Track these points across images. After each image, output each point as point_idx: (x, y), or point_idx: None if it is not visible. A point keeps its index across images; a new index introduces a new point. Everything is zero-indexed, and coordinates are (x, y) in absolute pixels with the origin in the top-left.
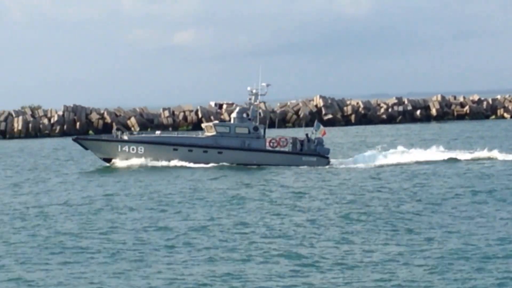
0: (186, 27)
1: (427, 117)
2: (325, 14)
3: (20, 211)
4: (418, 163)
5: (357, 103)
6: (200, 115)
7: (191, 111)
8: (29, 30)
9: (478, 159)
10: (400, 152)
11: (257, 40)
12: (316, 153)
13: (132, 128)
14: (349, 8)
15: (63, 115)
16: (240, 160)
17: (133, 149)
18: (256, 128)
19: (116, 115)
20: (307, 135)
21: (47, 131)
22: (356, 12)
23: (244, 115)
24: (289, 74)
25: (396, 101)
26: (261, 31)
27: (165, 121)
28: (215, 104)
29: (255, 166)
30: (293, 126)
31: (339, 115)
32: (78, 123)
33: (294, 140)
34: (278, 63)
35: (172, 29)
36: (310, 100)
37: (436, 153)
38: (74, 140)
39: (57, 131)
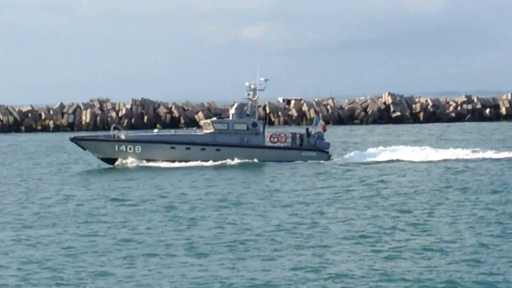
0: (256, 23)
1: (496, 116)
2: (394, 11)
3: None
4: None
5: (426, 101)
6: (268, 110)
7: (259, 106)
8: (99, 24)
9: None
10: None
11: (326, 36)
12: (316, 148)
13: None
14: (418, 6)
15: (131, 108)
16: (239, 156)
17: (130, 148)
18: (254, 124)
19: (184, 109)
20: (307, 129)
21: (114, 124)
22: (426, 10)
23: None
24: (358, 70)
25: (465, 99)
26: (330, 28)
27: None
28: (283, 100)
29: (255, 162)
30: (361, 123)
31: (407, 113)
32: (145, 117)
33: (294, 135)
34: (346, 60)
35: (241, 24)
36: (378, 97)
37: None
38: (71, 140)
39: (124, 124)
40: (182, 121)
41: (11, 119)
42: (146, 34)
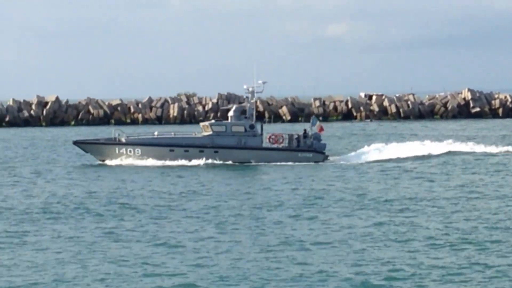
0: (339, 20)
1: None
2: (474, 8)
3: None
4: None
5: (505, 97)
6: (350, 106)
7: (341, 101)
8: (187, 20)
9: None
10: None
11: (408, 33)
12: (312, 149)
13: (284, 117)
14: (501, 2)
15: (217, 102)
16: (236, 158)
17: (130, 151)
18: (252, 126)
19: (268, 104)
20: (305, 130)
21: (201, 118)
22: (507, 6)
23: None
24: (438, 67)
25: None
26: (412, 25)
27: (315, 111)
28: (365, 95)
29: (259, 164)
30: (441, 118)
31: (486, 108)
32: None
33: (290, 136)
34: (427, 56)
35: (325, 22)
36: (458, 93)
37: None
38: (74, 143)
39: (211, 118)
40: (267, 115)
41: (101, 112)
42: (232, 30)
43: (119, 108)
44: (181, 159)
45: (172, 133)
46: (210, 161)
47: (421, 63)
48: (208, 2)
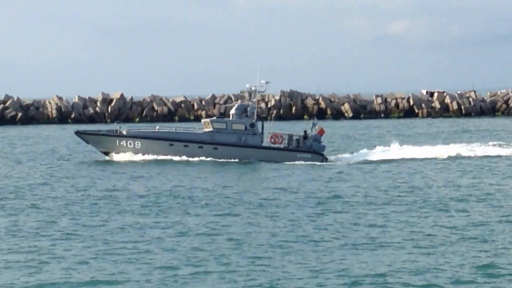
0: (401, 17)
1: None
2: None
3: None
4: None
5: None
6: (411, 103)
7: (403, 98)
8: (251, 18)
9: None
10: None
11: (470, 31)
12: (311, 150)
13: (346, 114)
14: None
15: (279, 100)
16: (235, 156)
17: (130, 143)
18: (252, 125)
19: (331, 101)
20: (305, 132)
21: (264, 115)
22: None
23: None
24: (500, 64)
25: None
26: (474, 22)
27: (377, 108)
28: (427, 92)
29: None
30: (503, 114)
31: None
32: (294, 108)
33: (290, 136)
34: (489, 53)
35: (387, 19)
36: None
37: None
38: (75, 133)
39: (273, 115)
40: (329, 112)
41: (165, 109)
42: (294, 28)
43: (183, 105)
44: (181, 154)
45: (174, 128)
46: (209, 157)
47: (482, 60)
48: (273, 0)
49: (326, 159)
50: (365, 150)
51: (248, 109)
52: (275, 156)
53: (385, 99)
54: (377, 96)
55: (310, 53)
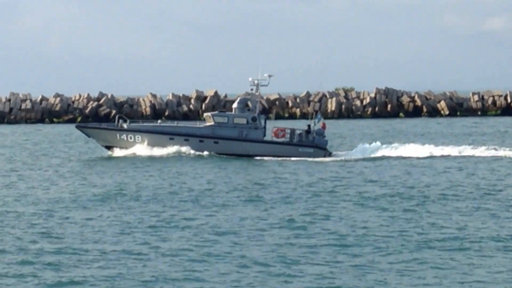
0: (499, 13)
1: None
2: None
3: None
4: None
5: None
6: (509, 100)
7: (500, 96)
8: (345, 14)
9: None
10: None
11: None
12: (313, 145)
13: (442, 112)
14: None
15: (375, 97)
16: (236, 150)
17: (131, 137)
18: (254, 119)
19: (427, 99)
20: (308, 126)
21: (359, 113)
22: None
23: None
24: None
25: None
26: None
27: (474, 106)
28: None
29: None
30: None
31: None
32: (389, 106)
33: (292, 131)
34: None
35: (483, 15)
36: None
37: None
38: (76, 127)
39: (368, 113)
40: (425, 109)
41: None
42: (389, 23)
43: (277, 103)
44: (181, 147)
45: (176, 122)
46: (210, 151)
47: None
48: None
49: (329, 154)
50: (366, 145)
51: (250, 103)
52: (277, 151)
53: (482, 96)
54: (473, 93)
55: (406, 49)
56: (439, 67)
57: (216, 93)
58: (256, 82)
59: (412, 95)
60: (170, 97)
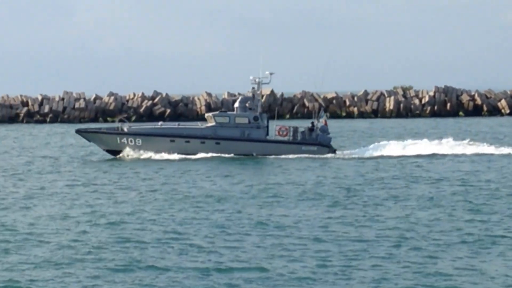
0: None
1: None
2: None
3: None
4: None
5: None
6: None
7: None
8: (403, 12)
9: None
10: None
11: None
12: (317, 143)
13: (503, 110)
14: None
15: (434, 96)
16: (238, 150)
17: (131, 141)
18: (256, 118)
19: (487, 97)
20: (312, 123)
21: (417, 112)
22: None
23: (247, 104)
24: None
25: None
26: None
27: None
28: None
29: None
30: None
31: None
32: (448, 104)
33: (295, 129)
34: None
35: None
36: None
37: None
38: (76, 132)
39: (427, 111)
40: (485, 108)
41: (316, 105)
42: (448, 21)
43: (334, 101)
44: (182, 150)
45: (176, 124)
46: (211, 152)
47: None
48: None
49: (334, 151)
50: (375, 144)
51: (252, 102)
52: (280, 150)
53: None
54: None
55: (465, 47)
56: (499, 65)
57: (272, 91)
58: (257, 80)
59: (472, 93)
60: (226, 96)
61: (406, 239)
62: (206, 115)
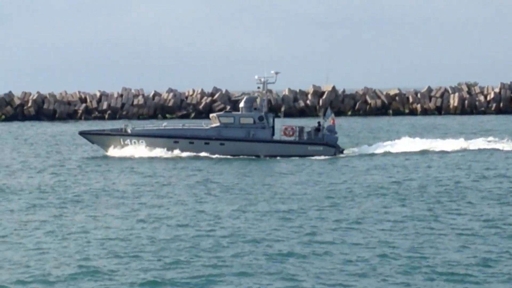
0: None
1: None
2: None
3: None
4: None
5: None
6: None
7: None
8: (468, 7)
9: None
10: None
11: None
12: (323, 142)
13: None
14: None
15: (499, 92)
16: (243, 151)
17: (134, 142)
18: (261, 118)
19: None
20: (318, 123)
21: (482, 108)
22: None
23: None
24: None
25: None
26: None
27: None
28: None
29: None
30: None
31: None
32: None
33: (301, 129)
34: None
35: None
36: None
37: None
38: (79, 134)
39: (492, 108)
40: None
41: (378, 102)
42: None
43: (397, 98)
44: (186, 151)
45: (181, 125)
46: (216, 153)
47: None
48: None
49: (341, 151)
50: (379, 143)
51: (258, 101)
52: (285, 150)
53: None
54: None
55: None
56: None
57: (333, 88)
58: (263, 80)
59: None
60: (286, 92)
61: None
62: (211, 115)
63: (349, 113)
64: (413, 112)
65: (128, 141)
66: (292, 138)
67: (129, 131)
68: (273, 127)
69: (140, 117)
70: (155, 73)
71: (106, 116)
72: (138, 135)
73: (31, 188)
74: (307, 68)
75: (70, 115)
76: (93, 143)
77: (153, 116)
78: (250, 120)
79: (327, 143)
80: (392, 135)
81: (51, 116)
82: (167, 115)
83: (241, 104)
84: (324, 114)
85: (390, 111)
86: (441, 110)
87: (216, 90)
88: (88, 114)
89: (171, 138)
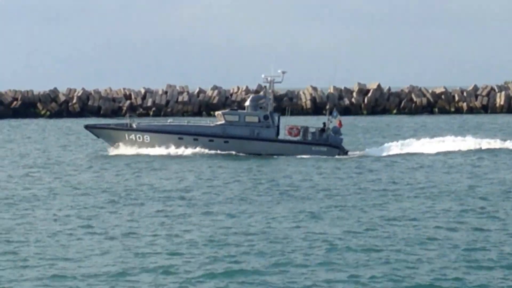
0: None
1: None
2: None
3: None
4: None
5: None
6: None
7: None
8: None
9: None
10: None
11: None
12: (327, 143)
13: None
14: None
15: None
16: (247, 149)
17: (139, 137)
18: (266, 117)
19: None
20: (324, 124)
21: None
22: None
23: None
24: None
25: None
26: None
27: None
28: None
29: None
30: None
31: None
32: None
33: (305, 129)
34: None
35: None
36: None
37: None
38: (85, 127)
39: None
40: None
41: (424, 100)
42: None
43: (443, 97)
44: (190, 147)
45: (186, 121)
46: (219, 150)
47: None
48: None
49: (346, 152)
50: (386, 145)
51: (263, 100)
52: (289, 150)
53: None
54: None
55: None
56: None
57: (379, 86)
58: (269, 79)
59: None
60: (331, 90)
61: None
62: (216, 113)
63: (394, 111)
64: (458, 111)
65: (133, 136)
66: (296, 138)
67: (134, 126)
68: (278, 126)
69: (184, 114)
70: (200, 70)
71: (151, 113)
72: (143, 130)
73: (102, 186)
74: (353, 64)
75: (115, 112)
76: (98, 137)
77: (197, 113)
78: (255, 119)
79: (331, 144)
80: (436, 132)
81: (96, 113)
82: (212, 112)
83: (247, 103)
84: (330, 115)
85: (436, 110)
86: (487, 108)
87: (260, 87)
88: (133, 111)
89: (175, 134)
